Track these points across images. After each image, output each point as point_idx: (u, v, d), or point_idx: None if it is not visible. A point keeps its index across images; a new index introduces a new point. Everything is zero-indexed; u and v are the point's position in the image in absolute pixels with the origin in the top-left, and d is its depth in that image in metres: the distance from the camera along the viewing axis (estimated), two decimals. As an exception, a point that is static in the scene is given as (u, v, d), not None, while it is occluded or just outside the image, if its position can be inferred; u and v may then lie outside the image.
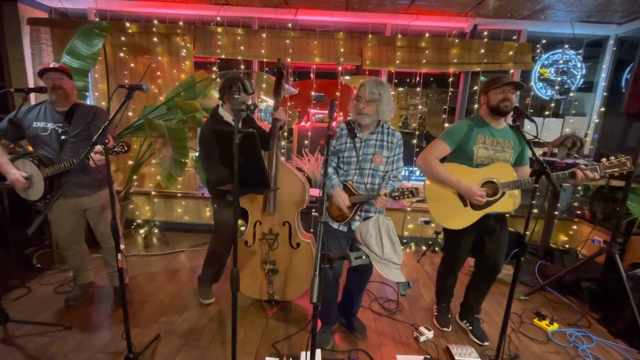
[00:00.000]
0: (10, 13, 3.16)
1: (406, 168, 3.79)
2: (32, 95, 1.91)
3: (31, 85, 3.29)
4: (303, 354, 1.82)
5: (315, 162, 3.38)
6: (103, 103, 3.41)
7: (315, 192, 2.68)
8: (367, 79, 1.79)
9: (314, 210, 2.91)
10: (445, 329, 2.18)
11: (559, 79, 3.51)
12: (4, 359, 1.76)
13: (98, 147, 1.60)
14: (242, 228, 2.34)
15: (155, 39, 3.31)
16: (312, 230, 2.84)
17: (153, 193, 3.64)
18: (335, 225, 1.93)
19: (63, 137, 1.95)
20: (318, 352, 1.81)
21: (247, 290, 2.25)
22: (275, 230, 2.16)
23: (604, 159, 1.66)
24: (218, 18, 3.34)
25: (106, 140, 1.44)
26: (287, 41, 3.31)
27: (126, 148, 1.72)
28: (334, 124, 1.56)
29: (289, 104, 3.74)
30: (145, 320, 2.13)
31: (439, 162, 1.90)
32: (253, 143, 1.47)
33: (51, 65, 1.90)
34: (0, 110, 3.18)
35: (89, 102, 3.39)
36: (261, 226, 2.16)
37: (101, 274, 2.46)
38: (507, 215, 1.99)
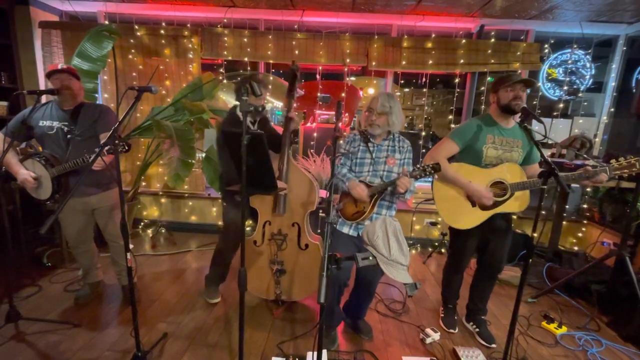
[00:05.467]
0: (22, 16, 3.22)
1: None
2: (44, 97, 1.94)
3: (42, 87, 3.35)
4: (309, 354, 1.83)
5: (321, 163, 3.39)
6: (112, 104, 3.45)
7: (324, 193, 2.68)
8: (379, 93, 1.87)
9: (321, 211, 2.91)
10: (452, 331, 2.16)
11: (567, 79, 3.47)
12: (16, 356, 1.79)
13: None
14: (248, 229, 2.35)
15: (163, 41, 3.35)
16: (319, 231, 2.84)
17: (160, 193, 3.68)
18: (345, 229, 1.93)
19: (69, 136, 1.98)
20: (324, 352, 1.81)
21: (254, 290, 2.27)
22: (284, 231, 2.17)
23: (613, 160, 1.64)
24: (225, 20, 3.37)
25: (116, 142, 1.46)
26: (294, 42, 3.33)
27: (127, 148, 1.72)
28: (340, 125, 1.56)
29: (294, 105, 3.75)
30: (152, 319, 2.15)
31: (447, 162, 1.89)
32: (261, 144, 1.48)
33: (59, 67, 1.93)
34: (12, 111, 3.24)
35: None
36: (270, 226, 2.18)
37: (109, 273, 2.49)
38: (515, 216, 1.97)
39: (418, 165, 1.71)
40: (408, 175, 1.70)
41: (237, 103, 2.14)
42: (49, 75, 1.93)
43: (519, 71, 3.35)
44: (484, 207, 1.87)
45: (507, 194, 1.83)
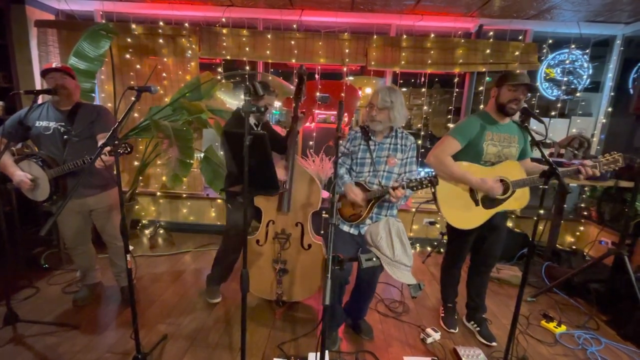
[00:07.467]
0: (18, 15, 3.18)
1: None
2: (40, 96, 1.92)
3: (38, 86, 3.32)
4: (310, 355, 1.82)
5: (320, 162, 3.38)
6: (109, 104, 3.42)
7: (324, 194, 2.68)
8: (380, 87, 1.81)
9: (324, 212, 2.91)
10: (452, 330, 2.17)
11: (565, 79, 3.49)
12: (15, 359, 1.77)
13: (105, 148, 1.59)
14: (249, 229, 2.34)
15: (161, 41, 3.32)
16: (322, 232, 2.84)
17: (158, 194, 3.66)
18: (345, 227, 1.92)
19: (65, 136, 1.96)
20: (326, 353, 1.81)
21: (255, 290, 2.26)
22: (288, 231, 2.16)
23: (600, 156, 1.75)
24: (223, 19, 3.35)
25: (116, 142, 1.45)
26: (292, 42, 3.31)
27: (129, 149, 1.71)
28: (342, 126, 1.56)
29: (293, 104, 3.74)
30: (152, 321, 2.13)
31: (452, 160, 1.87)
32: (263, 145, 1.47)
33: (53, 66, 1.91)
34: (8, 111, 3.21)
35: (95, 103, 3.41)
36: (274, 225, 2.17)
37: (108, 274, 2.47)
38: (514, 215, 1.99)
39: (415, 178, 1.69)
40: (405, 187, 1.67)
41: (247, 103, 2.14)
42: (43, 74, 1.92)
43: (517, 72, 3.35)
44: (487, 206, 1.87)
45: (509, 191, 1.84)
